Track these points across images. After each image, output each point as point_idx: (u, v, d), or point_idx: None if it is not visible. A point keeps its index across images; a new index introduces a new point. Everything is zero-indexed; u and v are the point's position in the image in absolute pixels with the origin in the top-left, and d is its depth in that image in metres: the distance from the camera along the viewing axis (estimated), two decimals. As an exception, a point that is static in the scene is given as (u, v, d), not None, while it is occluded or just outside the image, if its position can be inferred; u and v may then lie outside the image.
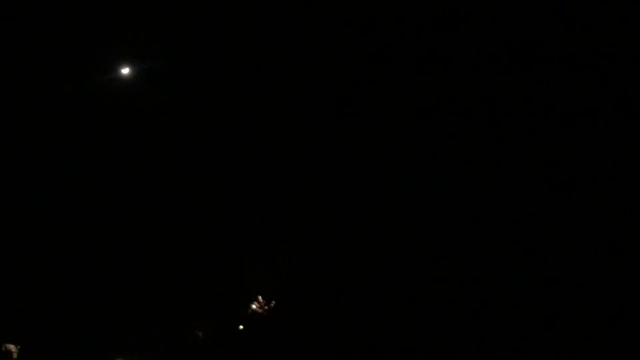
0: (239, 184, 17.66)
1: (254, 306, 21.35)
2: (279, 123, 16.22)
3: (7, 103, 14.21)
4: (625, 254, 10.01)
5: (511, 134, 12.26)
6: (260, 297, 22.33)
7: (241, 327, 19.34)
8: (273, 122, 16.27)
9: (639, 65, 10.58)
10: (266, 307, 21.03)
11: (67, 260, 16.25)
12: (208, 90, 16.24)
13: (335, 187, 16.42)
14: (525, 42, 12.01)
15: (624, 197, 10.45)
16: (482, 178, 12.38)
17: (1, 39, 13.53)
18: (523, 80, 12.14)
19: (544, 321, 10.13)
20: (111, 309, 16.60)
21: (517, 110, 12.23)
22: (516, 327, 10.21)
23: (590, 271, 10.07)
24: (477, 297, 11.02)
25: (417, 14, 13.00)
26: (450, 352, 10.80)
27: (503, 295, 10.73)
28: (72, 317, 15.22)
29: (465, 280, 11.35)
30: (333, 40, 14.29)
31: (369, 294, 14.22)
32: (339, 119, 15.52)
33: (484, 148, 12.60)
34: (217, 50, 15.44)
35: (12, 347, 14.85)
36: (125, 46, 15.47)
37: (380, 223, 14.15)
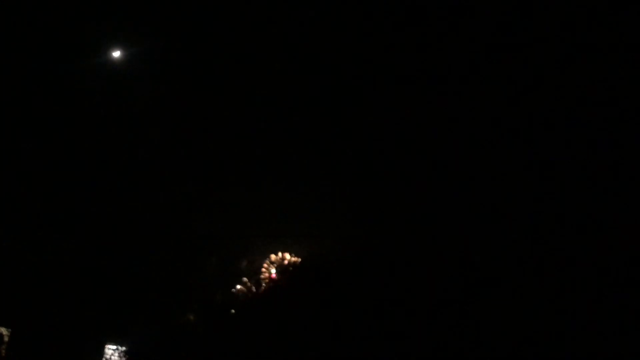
0: (228, 173, 17.66)
1: (239, 287, 21.40)
2: (272, 121, 16.19)
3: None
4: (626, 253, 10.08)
5: (511, 134, 12.28)
6: (246, 280, 22.38)
7: (232, 310, 19.41)
8: (267, 121, 16.25)
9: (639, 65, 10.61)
10: (254, 290, 21.14)
11: (58, 248, 16.27)
12: (198, 82, 16.19)
13: (326, 181, 16.46)
14: (525, 42, 12.00)
15: (624, 197, 10.50)
16: (483, 178, 12.40)
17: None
18: (523, 80, 12.12)
19: (545, 321, 10.20)
20: (103, 294, 16.66)
21: (516, 110, 12.24)
22: (517, 327, 10.28)
23: (591, 271, 10.15)
24: (478, 297, 11.06)
25: (417, 14, 12.95)
26: (450, 352, 10.87)
27: (504, 295, 10.79)
28: (64, 301, 15.27)
29: (466, 280, 11.38)
30: (331, 41, 14.24)
31: (358, 285, 14.31)
32: (338, 119, 15.53)
33: (484, 148, 12.61)
34: (206, 41, 15.37)
35: (3, 330, 14.90)
36: (116, 34, 15.36)
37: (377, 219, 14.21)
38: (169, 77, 15.40)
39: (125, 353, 16.33)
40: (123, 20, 14.25)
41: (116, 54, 14.43)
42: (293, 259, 21.11)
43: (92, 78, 14.59)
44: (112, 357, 16.49)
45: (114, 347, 16.45)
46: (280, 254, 23.39)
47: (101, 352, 16.38)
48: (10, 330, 14.84)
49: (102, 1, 14.07)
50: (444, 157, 13.25)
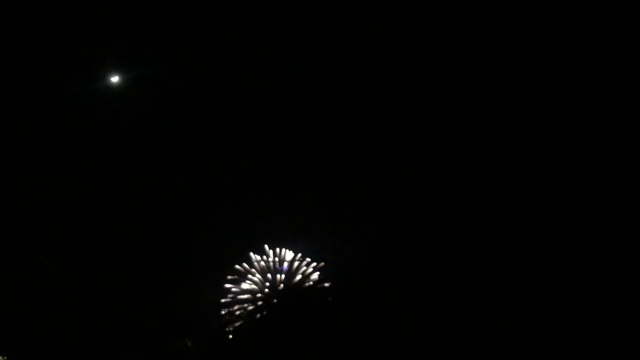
0: (229, 191, 17.68)
1: (238, 313, 21.24)
2: (271, 125, 16.32)
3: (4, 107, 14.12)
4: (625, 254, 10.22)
5: (511, 134, 12.51)
6: (246, 306, 22.17)
7: (230, 336, 19.22)
8: (267, 125, 16.38)
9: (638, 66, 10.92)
10: (252, 315, 20.95)
11: (61, 269, 16.04)
12: (200, 95, 16.33)
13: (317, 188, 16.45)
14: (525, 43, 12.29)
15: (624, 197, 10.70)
16: (484, 179, 12.56)
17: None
18: (523, 81, 12.39)
19: (546, 322, 10.25)
20: (101, 320, 16.39)
21: (517, 111, 12.49)
22: (518, 327, 10.32)
23: (590, 271, 10.27)
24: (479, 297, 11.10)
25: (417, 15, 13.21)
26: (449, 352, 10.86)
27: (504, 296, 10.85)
28: (63, 326, 15.01)
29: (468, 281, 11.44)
30: (331, 43, 14.50)
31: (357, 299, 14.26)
32: (337, 118, 15.68)
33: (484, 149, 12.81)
34: (208, 55, 15.56)
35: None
36: (116, 53, 15.50)
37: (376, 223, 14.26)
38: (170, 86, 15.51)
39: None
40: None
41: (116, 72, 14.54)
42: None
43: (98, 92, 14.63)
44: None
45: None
46: (281, 250, 23.34)
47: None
48: (5, 358, 14.53)
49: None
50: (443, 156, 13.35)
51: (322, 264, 23.22)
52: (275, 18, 14.29)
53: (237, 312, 20.62)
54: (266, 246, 25.74)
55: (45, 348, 15.26)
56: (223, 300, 23.81)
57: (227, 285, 24.37)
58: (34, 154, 15.17)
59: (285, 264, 25.33)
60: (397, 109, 13.89)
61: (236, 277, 24.39)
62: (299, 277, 24.98)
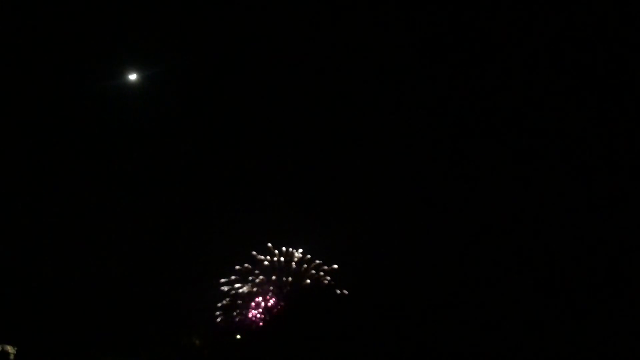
0: (235, 195, 17.76)
1: (250, 314, 21.25)
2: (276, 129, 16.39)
3: (11, 107, 14.32)
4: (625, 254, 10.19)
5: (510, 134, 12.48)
6: (256, 305, 22.17)
7: (238, 336, 19.24)
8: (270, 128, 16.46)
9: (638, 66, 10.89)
10: (262, 316, 20.95)
11: (66, 268, 16.17)
12: (212, 94, 16.45)
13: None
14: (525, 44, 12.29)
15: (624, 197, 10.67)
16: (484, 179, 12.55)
17: (8, 48, 13.73)
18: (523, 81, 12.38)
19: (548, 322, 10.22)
20: (108, 317, 16.50)
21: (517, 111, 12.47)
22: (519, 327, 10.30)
23: (591, 271, 10.22)
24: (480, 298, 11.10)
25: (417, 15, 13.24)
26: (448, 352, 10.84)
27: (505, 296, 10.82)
28: (71, 323, 15.14)
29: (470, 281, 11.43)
30: (333, 45, 14.54)
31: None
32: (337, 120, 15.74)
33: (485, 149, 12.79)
34: (219, 55, 15.67)
35: (9, 347, 14.74)
36: (131, 52, 15.68)
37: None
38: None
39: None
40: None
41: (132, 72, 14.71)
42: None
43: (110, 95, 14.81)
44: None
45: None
46: (288, 250, 23.26)
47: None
48: (16, 348, 14.68)
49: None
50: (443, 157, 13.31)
51: (335, 266, 23.23)
52: (289, 18, 14.40)
53: (243, 312, 20.66)
54: (270, 245, 25.53)
55: (56, 342, 15.42)
56: (229, 299, 23.86)
57: (235, 285, 24.43)
58: (47, 151, 15.35)
59: (293, 264, 25.24)
60: (406, 110, 13.91)
61: (243, 276, 24.43)
62: (306, 277, 24.89)
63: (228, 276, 23.29)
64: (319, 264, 24.49)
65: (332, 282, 23.46)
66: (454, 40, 13.21)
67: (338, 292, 21.53)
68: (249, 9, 14.71)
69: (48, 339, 15.35)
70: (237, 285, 23.11)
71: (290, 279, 24.08)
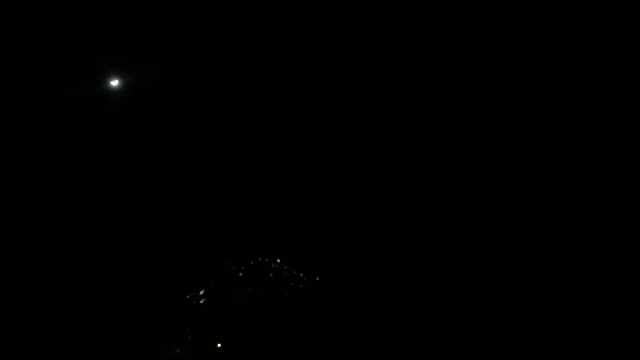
0: (228, 196, 17.68)
1: (233, 322, 21.17)
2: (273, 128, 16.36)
3: (6, 109, 14.12)
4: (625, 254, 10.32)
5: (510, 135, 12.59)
6: (238, 313, 22.12)
7: (219, 345, 19.16)
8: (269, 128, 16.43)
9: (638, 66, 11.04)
10: (246, 323, 20.88)
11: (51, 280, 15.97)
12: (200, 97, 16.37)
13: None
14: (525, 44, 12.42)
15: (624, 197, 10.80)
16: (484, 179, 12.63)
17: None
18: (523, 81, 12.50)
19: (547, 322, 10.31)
20: (89, 326, 16.30)
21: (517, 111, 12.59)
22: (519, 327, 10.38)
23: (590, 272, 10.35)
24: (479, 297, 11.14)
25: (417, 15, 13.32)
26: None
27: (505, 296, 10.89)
28: (54, 333, 14.93)
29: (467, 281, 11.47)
30: (330, 45, 14.58)
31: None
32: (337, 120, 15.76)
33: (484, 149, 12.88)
34: (208, 57, 15.62)
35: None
36: (115, 56, 15.58)
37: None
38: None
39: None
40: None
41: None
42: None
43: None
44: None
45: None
46: (265, 260, 23.26)
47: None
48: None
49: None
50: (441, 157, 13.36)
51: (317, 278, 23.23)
52: (276, 20, 14.36)
53: (228, 319, 20.52)
54: (245, 256, 25.38)
55: (40, 349, 15.23)
56: (213, 307, 23.71)
57: (217, 293, 24.27)
58: (34, 155, 15.16)
59: (270, 275, 25.21)
60: (404, 109, 13.96)
61: (226, 284, 24.31)
62: (283, 288, 24.86)
63: (213, 284, 23.22)
64: (297, 274, 24.45)
65: (311, 292, 23.46)
66: (454, 40, 13.29)
67: (317, 302, 21.56)
68: (236, 11, 14.67)
69: (35, 352, 15.21)
70: (218, 293, 23.00)
71: (263, 291, 24.03)
